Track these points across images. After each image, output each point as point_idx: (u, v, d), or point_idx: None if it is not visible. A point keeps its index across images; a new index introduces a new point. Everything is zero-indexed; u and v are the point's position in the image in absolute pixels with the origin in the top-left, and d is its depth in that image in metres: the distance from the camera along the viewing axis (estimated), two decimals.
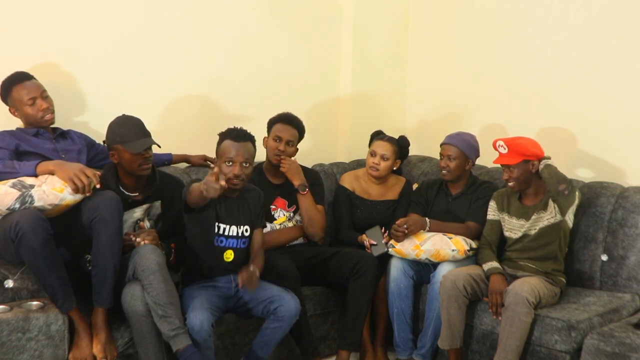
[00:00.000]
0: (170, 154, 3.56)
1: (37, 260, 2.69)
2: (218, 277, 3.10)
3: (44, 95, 3.10)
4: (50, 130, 3.16)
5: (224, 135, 3.09)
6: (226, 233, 3.10)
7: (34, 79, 3.11)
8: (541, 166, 3.24)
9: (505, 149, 3.28)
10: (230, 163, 3.01)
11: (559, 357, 2.99)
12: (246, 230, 3.15)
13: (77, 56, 3.45)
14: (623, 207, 3.39)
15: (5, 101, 3.12)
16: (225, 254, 3.10)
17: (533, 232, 3.28)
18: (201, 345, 2.82)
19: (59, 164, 2.83)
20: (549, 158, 3.26)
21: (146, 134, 3.03)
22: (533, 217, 3.28)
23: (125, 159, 2.98)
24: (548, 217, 3.24)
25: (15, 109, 3.10)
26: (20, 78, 3.08)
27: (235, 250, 3.12)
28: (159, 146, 3.06)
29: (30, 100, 3.05)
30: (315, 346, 3.26)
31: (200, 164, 3.65)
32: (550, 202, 3.24)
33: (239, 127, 3.12)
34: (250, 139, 3.11)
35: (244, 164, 3.03)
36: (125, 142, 2.96)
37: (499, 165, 3.86)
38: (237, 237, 3.12)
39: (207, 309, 2.87)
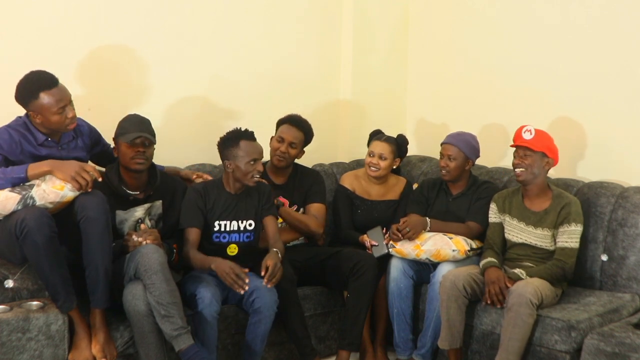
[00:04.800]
0: (162, 167, 3.40)
1: (40, 258, 2.69)
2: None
3: (71, 101, 2.92)
4: (58, 138, 2.99)
5: (239, 137, 3.14)
6: (227, 229, 3.20)
7: (60, 83, 2.89)
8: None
9: (531, 134, 3.24)
10: (254, 162, 3.12)
11: (559, 357, 2.99)
12: (250, 224, 3.24)
13: (77, 56, 3.44)
14: (623, 207, 3.39)
15: (27, 103, 2.86)
16: (228, 248, 3.21)
17: (536, 243, 3.28)
18: (208, 323, 2.90)
19: (53, 163, 2.79)
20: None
21: (144, 130, 3.04)
22: (538, 230, 3.27)
23: (121, 152, 3.03)
24: (556, 240, 3.25)
25: (37, 114, 2.86)
26: (49, 83, 2.84)
27: (239, 244, 3.22)
28: (154, 142, 3.06)
29: (61, 109, 2.85)
30: (312, 347, 3.26)
31: (186, 177, 3.44)
32: (558, 228, 3.23)
33: (245, 128, 3.20)
34: None
35: (262, 161, 3.19)
36: (122, 135, 3.02)
37: (499, 165, 3.87)
38: (239, 231, 3.22)
39: (214, 285, 3.01)
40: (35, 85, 2.84)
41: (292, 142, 3.54)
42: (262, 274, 2.99)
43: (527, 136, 3.25)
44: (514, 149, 3.32)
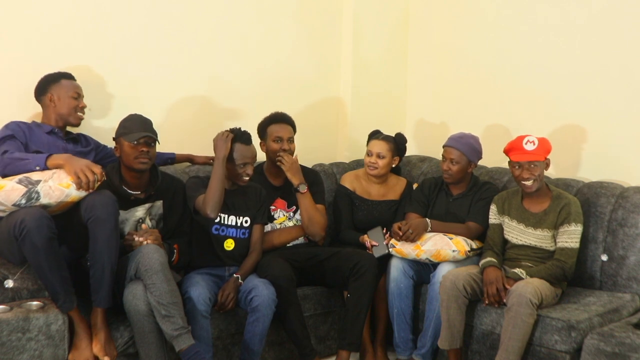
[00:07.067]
0: (173, 154, 3.57)
1: (39, 259, 2.69)
2: (214, 266, 3.25)
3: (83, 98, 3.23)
4: (64, 132, 3.19)
5: (233, 139, 3.26)
6: (225, 222, 3.28)
7: None
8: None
9: (534, 145, 3.21)
10: (244, 165, 3.25)
11: (559, 357, 2.99)
12: (246, 221, 3.32)
13: (77, 56, 3.44)
14: (623, 207, 3.39)
15: (46, 88, 3.14)
16: (225, 242, 3.28)
17: (537, 244, 3.28)
18: (197, 322, 2.93)
19: (68, 158, 2.84)
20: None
21: (147, 130, 3.06)
22: (538, 231, 3.27)
23: (124, 151, 3.04)
24: (556, 240, 3.25)
25: (56, 98, 3.13)
26: (69, 75, 3.21)
27: (235, 239, 3.29)
28: (158, 142, 3.09)
29: (77, 94, 3.18)
30: (312, 347, 3.26)
31: (204, 162, 3.63)
32: (558, 229, 3.23)
33: (243, 130, 3.30)
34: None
35: (253, 164, 3.31)
36: (125, 134, 3.03)
37: (499, 165, 3.87)
38: (236, 226, 3.30)
39: (204, 286, 3.05)
40: (58, 75, 3.18)
41: (289, 137, 3.54)
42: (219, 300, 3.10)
43: (530, 147, 3.21)
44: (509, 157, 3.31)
